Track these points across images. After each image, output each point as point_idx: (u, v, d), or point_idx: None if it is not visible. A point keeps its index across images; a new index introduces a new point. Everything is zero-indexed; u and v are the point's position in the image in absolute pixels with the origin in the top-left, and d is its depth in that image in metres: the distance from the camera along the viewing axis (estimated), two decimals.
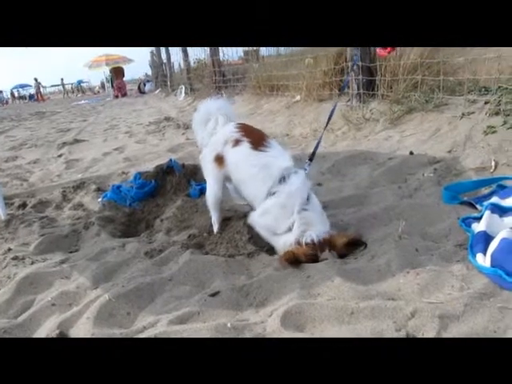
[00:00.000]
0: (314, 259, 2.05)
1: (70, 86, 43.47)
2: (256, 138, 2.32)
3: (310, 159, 2.66)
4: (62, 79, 39.94)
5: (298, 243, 2.09)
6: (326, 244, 2.09)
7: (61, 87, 42.05)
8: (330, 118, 3.04)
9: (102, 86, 34.54)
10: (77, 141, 7.09)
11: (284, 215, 2.15)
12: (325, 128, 3.12)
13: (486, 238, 1.97)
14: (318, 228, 2.11)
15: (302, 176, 2.22)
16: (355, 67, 4.86)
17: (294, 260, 2.02)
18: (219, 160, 2.41)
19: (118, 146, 6.19)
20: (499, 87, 3.61)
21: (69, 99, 27.12)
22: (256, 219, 2.27)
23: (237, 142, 2.32)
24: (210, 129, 2.59)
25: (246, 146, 2.29)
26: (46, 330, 1.86)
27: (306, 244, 2.08)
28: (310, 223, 2.12)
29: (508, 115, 3.29)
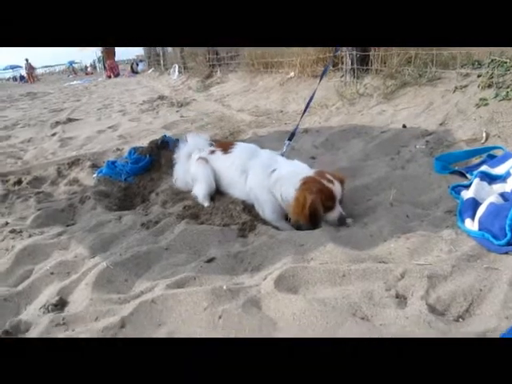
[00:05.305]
0: (328, 189, 2.14)
1: (62, 66, 42.67)
2: (226, 145, 2.74)
3: (289, 139, 2.87)
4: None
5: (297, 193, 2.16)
6: (323, 174, 2.21)
7: (55, 68, 40.51)
8: (309, 102, 3.17)
9: (94, 66, 34.07)
10: (70, 120, 7.03)
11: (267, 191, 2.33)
12: (304, 112, 3.19)
13: (475, 204, 2.02)
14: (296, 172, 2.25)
15: (264, 155, 2.50)
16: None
17: (312, 208, 2.10)
18: (203, 159, 2.73)
19: (111, 124, 6.16)
20: (492, 60, 3.62)
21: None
22: (267, 217, 2.37)
23: (212, 152, 2.75)
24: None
25: (219, 152, 2.71)
26: (45, 296, 1.90)
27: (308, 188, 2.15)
28: (284, 176, 2.27)
29: (500, 87, 3.31)
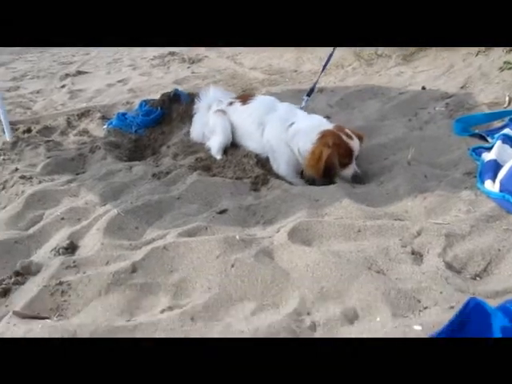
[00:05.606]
0: (345, 144, 2.11)
1: None
2: (245, 97, 2.70)
3: (308, 95, 2.82)
4: None
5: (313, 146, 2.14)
6: (342, 128, 2.18)
7: None
8: (327, 62, 3.10)
9: None
10: (80, 73, 6.90)
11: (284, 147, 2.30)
12: (323, 69, 3.10)
13: (496, 166, 1.96)
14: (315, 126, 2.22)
15: (283, 108, 2.44)
16: None
17: (328, 162, 2.07)
18: (221, 111, 2.69)
19: (121, 78, 6.03)
20: None
21: None
22: (281, 170, 2.34)
23: (231, 103, 2.69)
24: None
25: (237, 104, 2.65)
26: (56, 240, 1.89)
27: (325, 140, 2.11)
28: (302, 129, 2.23)
29: None
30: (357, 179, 2.15)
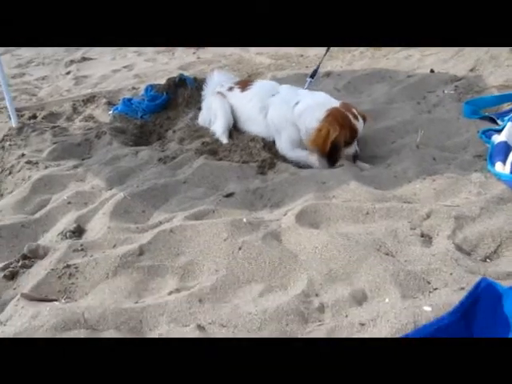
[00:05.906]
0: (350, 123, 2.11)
1: None
2: (244, 83, 2.70)
3: (311, 76, 2.80)
4: None
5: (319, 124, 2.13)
6: (349, 107, 2.16)
7: None
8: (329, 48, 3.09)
9: None
10: (85, 59, 6.88)
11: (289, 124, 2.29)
12: (325, 54, 3.04)
13: (507, 147, 1.94)
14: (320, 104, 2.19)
15: (284, 90, 2.42)
16: None
17: (333, 142, 2.08)
18: (221, 94, 2.68)
19: (127, 64, 6.01)
20: None
21: None
22: (283, 147, 2.33)
23: (230, 88, 2.69)
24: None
25: (237, 89, 2.64)
26: (63, 224, 1.89)
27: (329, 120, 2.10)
28: (308, 107, 2.21)
29: None
30: (356, 158, 2.19)
